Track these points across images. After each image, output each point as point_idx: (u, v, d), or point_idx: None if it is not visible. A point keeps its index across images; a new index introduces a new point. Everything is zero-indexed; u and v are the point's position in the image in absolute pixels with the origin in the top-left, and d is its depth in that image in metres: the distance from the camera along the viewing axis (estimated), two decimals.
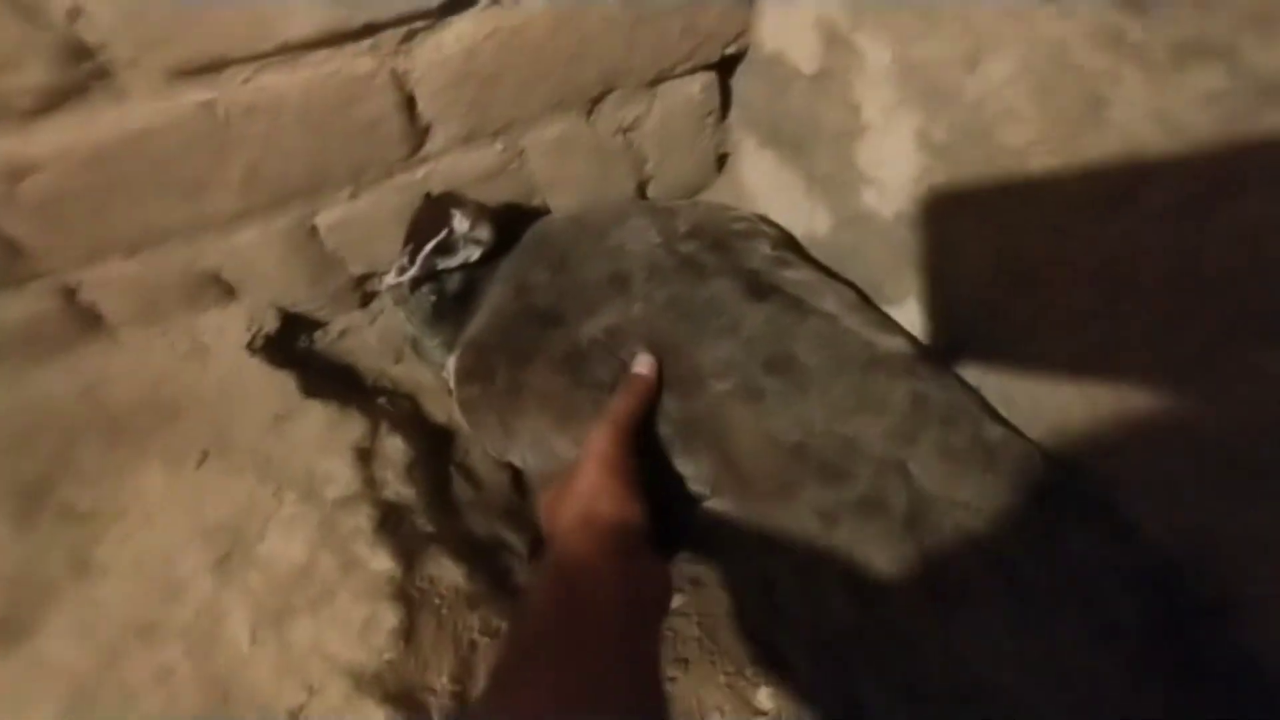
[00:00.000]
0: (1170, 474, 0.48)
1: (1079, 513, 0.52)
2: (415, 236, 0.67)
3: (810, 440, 0.56)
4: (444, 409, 0.89)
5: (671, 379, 0.60)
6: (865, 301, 0.68)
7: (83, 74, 0.53)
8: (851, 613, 0.52)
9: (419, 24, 0.62)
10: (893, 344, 0.62)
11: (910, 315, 0.68)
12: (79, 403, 0.76)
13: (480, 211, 0.71)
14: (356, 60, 0.62)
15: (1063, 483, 0.53)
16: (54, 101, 0.54)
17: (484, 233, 0.70)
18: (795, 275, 0.67)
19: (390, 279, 0.68)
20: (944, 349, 0.64)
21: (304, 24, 0.57)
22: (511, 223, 0.77)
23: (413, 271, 0.67)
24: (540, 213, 0.84)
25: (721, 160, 0.96)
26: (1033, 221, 0.50)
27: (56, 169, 0.58)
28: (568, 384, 0.63)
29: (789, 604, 0.54)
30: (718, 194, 0.97)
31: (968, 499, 0.53)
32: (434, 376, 0.88)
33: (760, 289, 0.65)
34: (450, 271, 0.72)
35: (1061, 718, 0.47)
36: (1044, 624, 0.49)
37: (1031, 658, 0.48)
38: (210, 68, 0.57)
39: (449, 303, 0.74)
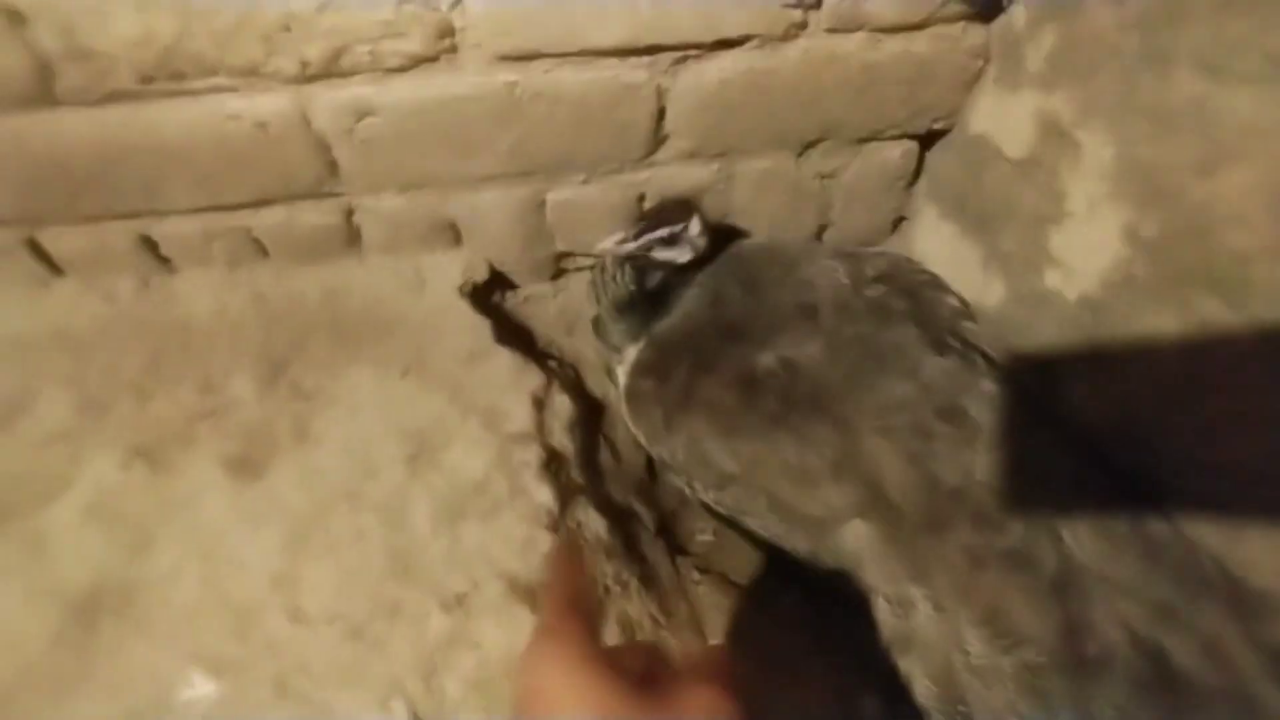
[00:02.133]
0: None
1: (1249, 627, 0.53)
2: (650, 219, 0.77)
3: (969, 487, 0.60)
4: (600, 384, 0.99)
5: (843, 409, 0.66)
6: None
7: (441, 48, 0.68)
8: (987, 653, 0.55)
9: (692, 52, 0.74)
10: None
11: (1079, 400, 0.71)
12: (321, 304, 0.91)
13: (709, 225, 0.80)
14: (633, 71, 0.74)
15: (1234, 592, 0.54)
16: (411, 65, 0.69)
17: (703, 242, 0.79)
18: (975, 327, 0.72)
19: (609, 244, 0.77)
20: (1111, 434, 0.67)
21: (609, 35, 0.70)
22: (721, 242, 0.86)
23: (632, 246, 0.76)
24: (735, 236, 0.94)
25: (897, 222, 1.03)
26: (1244, 327, 0.53)
27: (388, 115, 0.73)
28: (737, 403, 0.70)
29: (922, 632, 0.58)
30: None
31: (1121, 579, 0.55)
32: (597, 354, 0.98)
33: (942, 344, 0.70)
34: (656, 269, 0.82)
35: None
36: (1185, 713, 0.50)
37: None
38: (526, 57, 0.71)
39: (642, 296, 0.83)
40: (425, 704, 0.58)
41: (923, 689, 0.56)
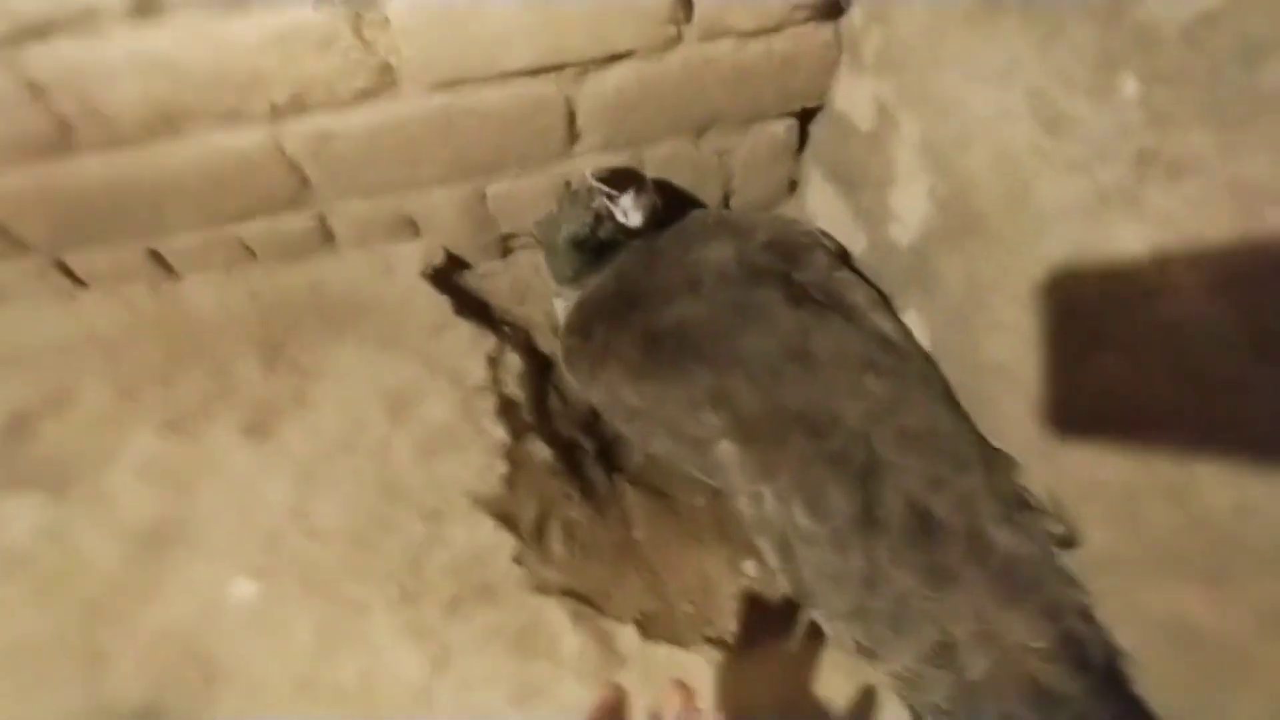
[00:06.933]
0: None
1: (993, 481, 0.73)
2: (605, 175, 0.91)
3: (807, 410, 0.79)
4: (548, 343, 1.17)
5: (716, 356, 0.84)
6: (886, 303, 0.91)
7: (383, 83, 0.84)
8: (810, 526, 0.75)
9: (591, 67, 0.90)
10: (895, 336, 0.84)
11: (911, 321, 0.90)
12: (307, 294, 1.09)
13: (650, 208, 0.92)
14: (544, 86, 0.90)
15: (988, 459, 0.75)
16: (361, 98, 0.85)
17: (638, 218, 0.91)
18: (842, 276, 0.90)
19: (590, 172, 0.92)
20: (932, 348, 0.86)
21: (520, 60, 0.86)
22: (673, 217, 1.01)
23: (591, 182, 0.91)
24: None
25: (793, 186, 1.20)
26: (989, 263, 0.72)
27: (347, 138, 0.89)
28: (642, 353, 0.88)
29: (769, 516, 0.78)
30: (787, 211, 1.21)
31: (908, 464, 0.75)
32: (546, 318, 1.17)
33: (800, 299, 0.88)
34: (609, 220, 0.94)
35: (936, 610, 0.69)
36: (941, 551, 0.70)
37: (926, 571, 0.70)
38: (455, 83, 0.87)
39: (593, 242, 0.96)
40: (413, 585, 0.79)
41: (769, 555, 0.77)
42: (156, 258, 1.01)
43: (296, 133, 0.87)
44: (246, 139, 0.86)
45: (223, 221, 0.98)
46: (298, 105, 0.83)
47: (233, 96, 0.80)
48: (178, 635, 0.78)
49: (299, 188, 0.95)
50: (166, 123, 0.81)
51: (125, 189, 0.88)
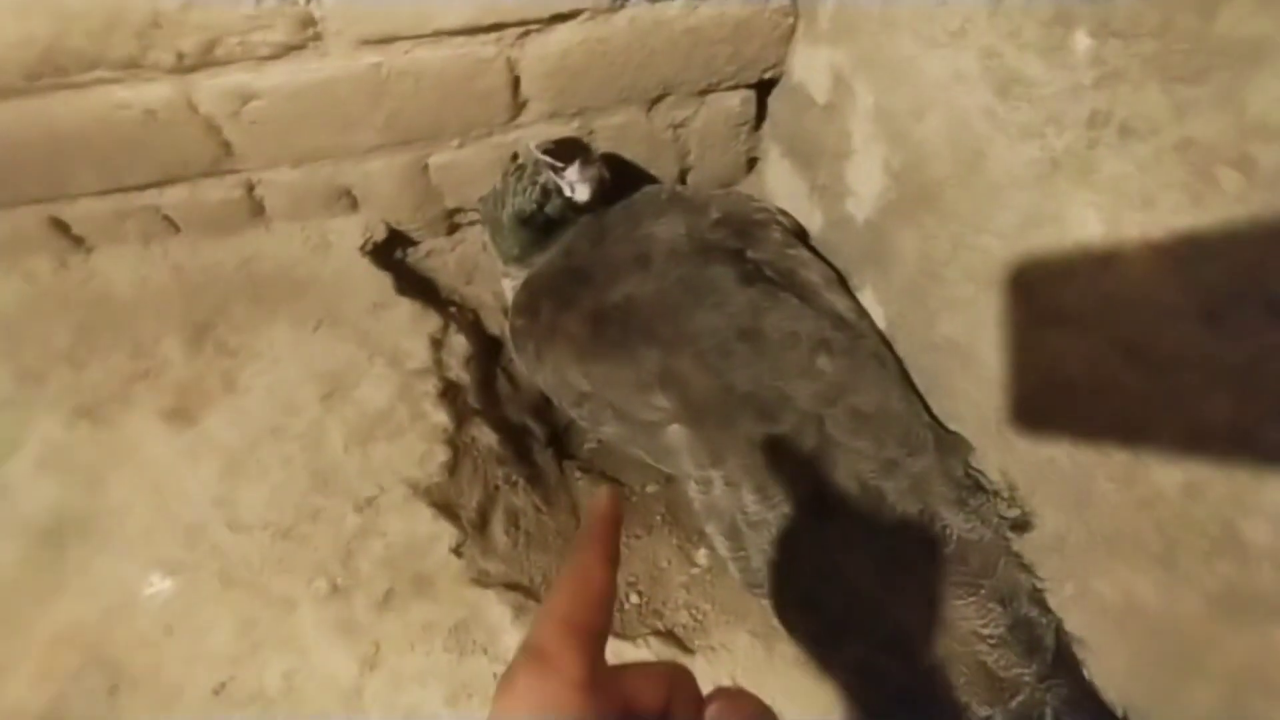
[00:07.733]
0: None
1: (945, 463, 0.72)
2: (550, 147, 0.86)
3: (757, 390, 0.76)
4: (497, 324, 1.12)
5: (665, 336, 0.80)
6: (842, 281, 0.88)
7: (305, 37, 0.77)
8: (759, 511, 0.72)
9: (533, 27, 0.84)
10: (849, 315, 0.82)
11: (866, 299, 0.88)
12: (236, 271, 1.02)
13: (597, 181, 0.87)
14: (483, 47, 0.85)
15: (940, 440, 0.73)
16: (282, 53, 0.78)
17: (583, 192, 0.87)
18: (796, 253, 0.87)
19: (531, 144, 0.87)
20: (886, 327, 0.84)
21: (453, 18, 0.80)
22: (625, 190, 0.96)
23: (535, 153, 0.86)
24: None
25: (751, 163, 1.16)
26: (943, 237, 0.70)
27: (270, 99, 0.82)
28: (589, 333, 0.83)
29: (718, 502, 0.75)
30: (745, 189, 1.17)
31: (861, 447, 0.72)
32: (495, 299, 1.12)
33: (752, 277, 0.84)
34: (557, 195, 0.89)
35: (888, 596, 0.67)
36: (893, 536, 0.68)
37: (878, 557, 0.68)
38: (385, 40, 0.81)
39: (540, 218, 0.92)
40: (344, 579, 0.74)
41: (718, 543, 0.74)
42: (60, 227, 0.92)
43: (211, 89, 0.80)
44: (152, 94, 0.78)
45: (135, 188, 0.90)
46: (209, 58, 0.76)
47: (130, 43, 0.72)
48: (81, 640, 0.72)
49: (220, 153, 0.88)
50: (55, 70, 0.73)
51: (13, 145, 0.80)
